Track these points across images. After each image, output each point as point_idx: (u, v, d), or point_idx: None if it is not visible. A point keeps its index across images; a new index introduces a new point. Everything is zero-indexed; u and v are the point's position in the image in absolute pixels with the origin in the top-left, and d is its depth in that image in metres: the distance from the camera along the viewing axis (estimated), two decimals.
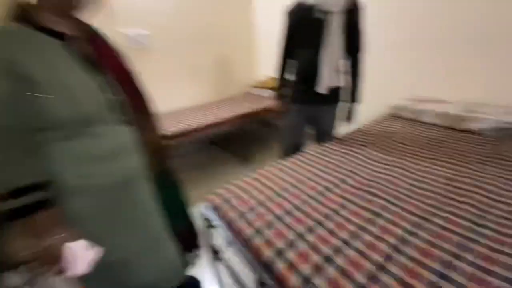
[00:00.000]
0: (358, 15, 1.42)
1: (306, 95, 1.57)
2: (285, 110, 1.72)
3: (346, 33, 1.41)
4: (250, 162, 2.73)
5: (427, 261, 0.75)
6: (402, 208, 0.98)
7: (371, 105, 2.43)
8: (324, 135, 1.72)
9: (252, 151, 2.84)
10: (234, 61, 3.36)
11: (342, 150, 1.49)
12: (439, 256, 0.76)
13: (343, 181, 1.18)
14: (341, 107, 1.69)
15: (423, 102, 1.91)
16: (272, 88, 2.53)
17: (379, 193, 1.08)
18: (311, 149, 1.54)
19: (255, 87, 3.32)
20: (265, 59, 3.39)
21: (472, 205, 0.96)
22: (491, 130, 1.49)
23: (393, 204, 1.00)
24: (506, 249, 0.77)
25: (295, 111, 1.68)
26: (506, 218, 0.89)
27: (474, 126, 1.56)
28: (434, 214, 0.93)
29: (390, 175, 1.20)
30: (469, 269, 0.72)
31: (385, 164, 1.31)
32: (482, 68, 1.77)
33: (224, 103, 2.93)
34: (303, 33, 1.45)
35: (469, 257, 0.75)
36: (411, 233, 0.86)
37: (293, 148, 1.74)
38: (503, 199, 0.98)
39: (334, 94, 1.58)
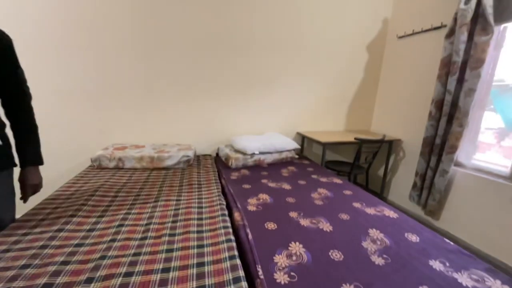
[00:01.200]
0: (3, 47, 0.99)
1: None
2: None
3: None
4: None
5: None
6: None
7: (72, 161, 2.04)
8: None
9: None
10: None
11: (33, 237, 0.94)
12: None
13: None
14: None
15: (121, 149, 1.91)
16: None
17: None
18: None
19: None
20: None
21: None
22: (177, 164, 1.86)
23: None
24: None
25: None
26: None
27: (166, 163, 1.85)
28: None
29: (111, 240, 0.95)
30: None
31: (102, 229, 1.04)
32: (160, 115, 2.22)
33: None
34: None
35: None
36: None
37: None
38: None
39: None
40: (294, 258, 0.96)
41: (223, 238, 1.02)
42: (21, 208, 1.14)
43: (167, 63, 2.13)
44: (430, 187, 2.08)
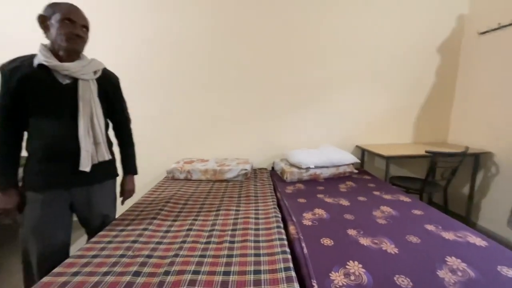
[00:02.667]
0: (114, 84, 1.32)
1: (62, 177, 1.14)
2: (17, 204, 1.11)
3: (106, 102, 1.25)
4: None
5: None
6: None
7: (150, 174, 2.44)
8: (97, 220, 1.30)
9: None
10: None
11: (127, 233, 1.21)
12: None
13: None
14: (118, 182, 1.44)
15: (189, 163, 2.19)
16: None
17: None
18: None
19: None
20: None
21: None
22: (236, 177, 2.01)
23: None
24: None
25: (49, 201, 1.13)
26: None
27: (226, 176, 2.02)
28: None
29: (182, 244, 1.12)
30: None
31: (176, 230, 1.23)
32: (223, 132, 2.46)
33: None
34: (41, 99, 1.08)
35: None
36: None
37: (52, 255, 1.11)
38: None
39: (103, 169, 1.28)
40: (352, 277, 0.91)
41: (279, 249, 1.06)
42: (119, 209, 1.44)
43: (229, 83, 2.38)
44: None
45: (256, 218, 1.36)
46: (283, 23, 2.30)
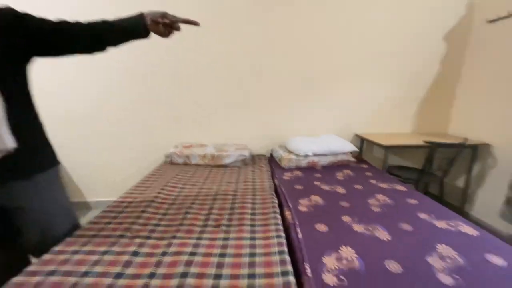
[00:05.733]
0: (8, 25, 0.80)
1: None
2: None
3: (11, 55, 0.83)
4: None
5: None
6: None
7: (149, 157, 2.44)
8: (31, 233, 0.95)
9: None
10: None
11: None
12: None
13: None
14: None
15: (188, 147, 2.19)
16: None
17: None
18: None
19: None
20: None
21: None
22: (234, 162, 2.02)
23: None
24: None
25: None
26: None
27: (225, 161, 2.03)
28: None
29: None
30: None
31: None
32: (222, 118, 2.44)
33: None
34: None
35: None
36: None
37: None
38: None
39: (35, 158, 0.93)
40: (344, 262, 0.94)
41: (274, 234, 1.08)
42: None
43: (230, 69, 2.33)
44: None
45: (253, 203, 1.38)
46: (288, 12, 2.22)
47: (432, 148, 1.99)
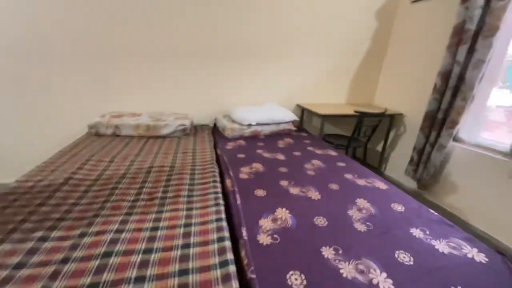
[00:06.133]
0: None
1: None
2: None
3: None
4: None
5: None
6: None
7: (68, 131, 2.06)
8: None
9: None
10: None
11: None
12: None
13: None
14: None
15: (117, 117, 1.92)
16: None
17: None
18: None
19: None
20: None
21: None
22: (173, 133, 1.87)
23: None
24: None
25: None
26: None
27: (162, 132, 1.86)
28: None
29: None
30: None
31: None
32: (159, 84, 2.18)
33: None
34: None
35: None
36: None
37: None
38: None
39: None
40: (279, 222, 0.99)
41: (213, 202, 1.06)
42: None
43: (167, 30, 2.04)
44: (426, 162, 2.08)
45: (192, 174, 1.32)
46: None
47: (359, 117, 2.22)
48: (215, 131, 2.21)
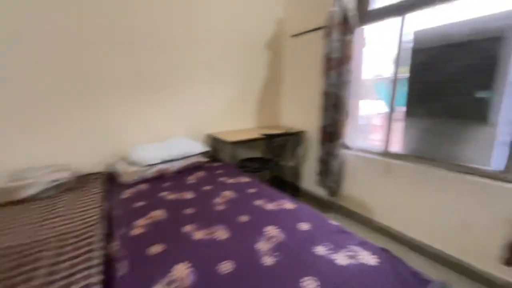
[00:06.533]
0: None
1: None
2: None
3: None
4: None
5: None
6: None
7: None
8: None
9: None
10: None
11: None
12: None
13: None
14: None
15: None
16: None
17: None
18: None
19: None
20: None
21: None
22: (42, 193, 1.44)
23: None
24: None
25: None
26: None
27: (24, 194, 1.40)
28: None
29: None
30: None
31: None
32: (19, 135, 1.69)
33: None
34: None
35: None
36: None
37: None
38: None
39: None
40: (174, 286, 0.81)
41: (83, 283, 0.79)
42: None
43: (39, 56, 1.63)
44: (327, 171, 2.32)
45: (60, 247, 0.99)
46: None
47: (266, 139, 2.32)
48: (110, 179, 1.85)
